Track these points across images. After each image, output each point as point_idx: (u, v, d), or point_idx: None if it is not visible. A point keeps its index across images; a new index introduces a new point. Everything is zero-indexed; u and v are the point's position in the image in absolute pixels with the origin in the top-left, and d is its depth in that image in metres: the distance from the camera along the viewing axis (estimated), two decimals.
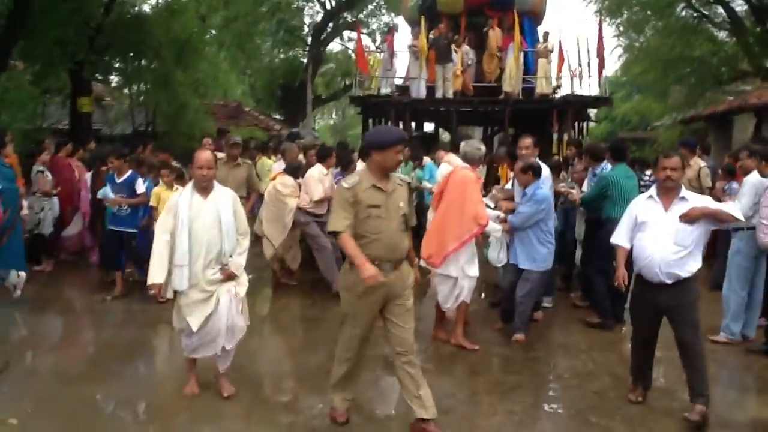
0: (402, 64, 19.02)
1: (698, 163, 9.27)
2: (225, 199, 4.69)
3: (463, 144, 6.41)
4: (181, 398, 4.72)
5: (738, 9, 17.69)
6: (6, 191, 6.82)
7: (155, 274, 4.55)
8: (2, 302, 6.88)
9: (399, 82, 18.22)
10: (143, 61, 14.68)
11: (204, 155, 4.65)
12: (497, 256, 6.61)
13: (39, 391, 4.83)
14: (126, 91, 16.22)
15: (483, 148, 6.48)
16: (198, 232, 4.53)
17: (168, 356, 5.93)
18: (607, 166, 7.23)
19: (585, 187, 7.66)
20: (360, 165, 8.62)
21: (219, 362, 4.75)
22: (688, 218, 4.46)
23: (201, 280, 4.55)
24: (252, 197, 8.17)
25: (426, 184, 9.51)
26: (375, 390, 5.00)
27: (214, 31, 19.65)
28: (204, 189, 4.65)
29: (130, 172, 7.64)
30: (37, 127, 12.24)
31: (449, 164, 6.55)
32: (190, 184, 4.75)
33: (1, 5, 11.49)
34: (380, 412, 4.63)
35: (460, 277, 5.99)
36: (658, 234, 4.53)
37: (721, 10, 17.83)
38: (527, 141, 6.90)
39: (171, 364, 5.60)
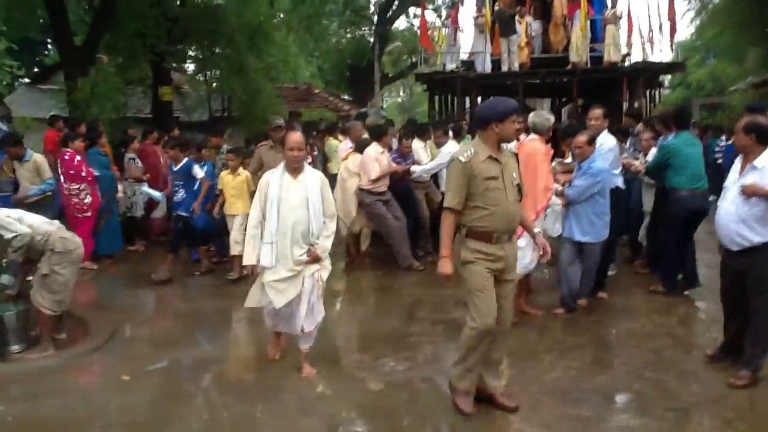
0: (467, 38, 19.12)
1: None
2: (314, 181, 4.79)
3: (531, 115, 6.46)
4: (263, 361, 5.18)
5: None
6: (102, 178, 7.50)
7: (249, 255, 4.78)
8: None
9: (464, 57, 18.20)
10: (217, 49, 15.27)
11: (294, 137, 4.75)
12: (553, 226, 6.60)
13: (142, 354, 5.43)
14: (202, 78, 16.89)
15: (552, 118, 6.50)
16: (286, 211, 4.65)
17: (249, 326, 6.37)
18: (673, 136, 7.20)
19: (650, 157, 7.71)
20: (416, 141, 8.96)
21: (300, 342, 4.89)
22: (745, 192, 4.44)
23: (289, 259, 4.67)
24: None
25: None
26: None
27: (282, 15, 20.15)
28: (295, 170, 4.76)
29: (186, 159, 7.97)
30: (122, 116, 13.01)
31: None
32: (282, 165, 4.86)
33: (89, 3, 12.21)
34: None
35: (529, 246, 6.05)
36: (727, 199, 4.58)
37: None
38: (597, 112, 6.90)
39: (253, 332, 6.07)
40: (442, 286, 6.48)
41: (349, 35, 30.65)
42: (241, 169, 7.76)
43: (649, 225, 7.72)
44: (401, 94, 51.81)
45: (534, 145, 6.06)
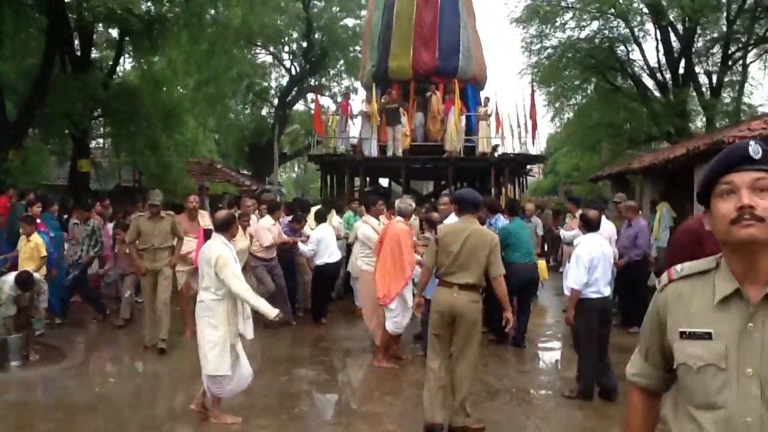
0: (356, 125, 21.21)
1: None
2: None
3: (397, 201, 7.85)
4: None
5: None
6: (56, 237, 9.02)
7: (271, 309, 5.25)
8: None
9: (354, 141, 20.12)
10: (133, 127, 16.83)
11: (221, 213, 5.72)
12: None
13: None
14: (115, 152, 18.30)
15: (413, 204, 7.99)
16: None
17: None
18: (500, 219, 8.81)
19: None
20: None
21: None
22: None
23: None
24: (179, 244, 8.33)
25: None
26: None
27: (182, 90, 21.70)
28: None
29: None
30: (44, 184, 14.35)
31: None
32: (220, 236, 5.43)
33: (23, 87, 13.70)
34: None
35: (402, 309, 7.23)
36: None
37: (632, 83, 21.05)
38: (445, 199, 8.51)
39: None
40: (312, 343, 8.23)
41: (250, 115, 32.63)
42: (34, 236, 8.14)
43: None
44: (296, 170, 53.97)
45: (398, 226, 7.30)
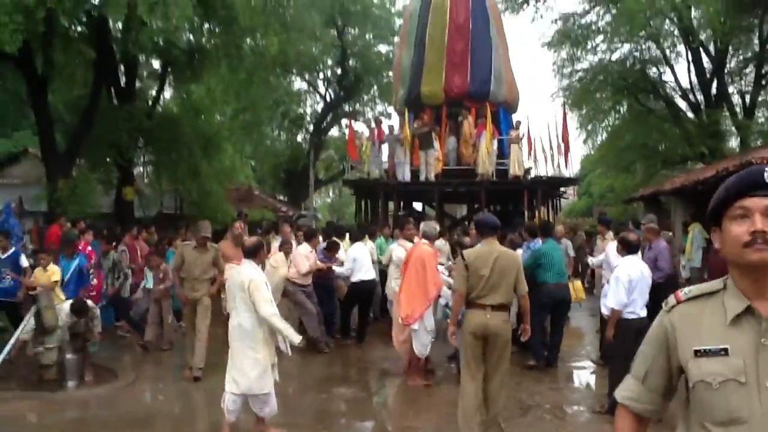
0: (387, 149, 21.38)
1: (611, 236, 10.71)
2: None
3: (422, 224, 8.09)
4: None
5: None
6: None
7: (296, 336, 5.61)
8: None
9: (386, 166, 19.96)
10: (174, 155, 17.43)
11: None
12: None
13: None
14: (157, 180, 18.93)
15: (437, 227, 8.33)
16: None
17: None
18: (539, 242, 8.78)
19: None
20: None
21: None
22: None
23: None
24: (219, 276, 8.34)
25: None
26: None
27: (220, 118, 22.32)
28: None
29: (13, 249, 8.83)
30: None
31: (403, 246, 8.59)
32: (251, 261, 5.65)
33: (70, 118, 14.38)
34: None
35: (425, 330, 7.47)
36: None
37: (664, 104, 21.15)
38: (473, 231, 8.59)
39: None
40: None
41: (285, 141, 33.23)
42: (51, 266, 8.40)
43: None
44: (330, 194, 54.58)
45: (423, 248, 7.53)
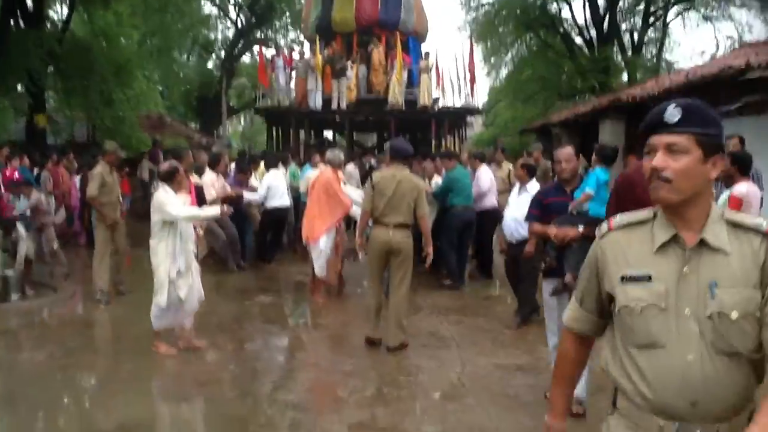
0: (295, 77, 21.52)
1: (507, 165, 11.27)
2: None
3: (328, 152, 8.53)
4: None
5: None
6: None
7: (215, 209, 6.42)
8: None
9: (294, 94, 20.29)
10: (85, 82, 17.39)
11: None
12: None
13: None
14: (68, 106, 18.81)
15: (342, 155, 8.71)
16: None
17: None
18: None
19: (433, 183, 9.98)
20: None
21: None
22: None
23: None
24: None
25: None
26: None
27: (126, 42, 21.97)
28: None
29: None
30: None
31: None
32: (164, 185, 5.96)
33: None
34: None
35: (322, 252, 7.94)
36: (510, 209, 7.02)
37: (561, 39, 22.49)
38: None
39: None
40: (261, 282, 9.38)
41: (196, 67, 32.81)
42: None
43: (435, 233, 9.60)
44: (242, 123, 54.20)
45: (327, 174, 8.08)
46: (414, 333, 6.50)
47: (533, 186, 6.92)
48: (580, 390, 4.24)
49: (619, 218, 1.89)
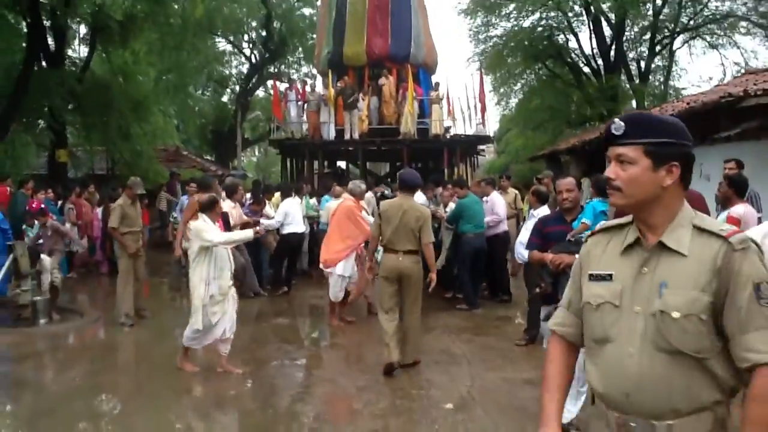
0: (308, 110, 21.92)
1: (513, 191, 11.93)
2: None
3: (350, 183, 9.11)
4: None
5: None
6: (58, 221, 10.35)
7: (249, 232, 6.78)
8: None
9: (305, 125, 20.60)
10: (104, 117, 17.91)
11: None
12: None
13: None
14: (88, 142, 19.32)
15: (363, 185, 9.18)
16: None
17: None
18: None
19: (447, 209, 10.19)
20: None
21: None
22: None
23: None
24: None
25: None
26: None
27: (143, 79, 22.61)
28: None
29: None
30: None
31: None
32: (204, 215, 6.29)
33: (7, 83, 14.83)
34: None
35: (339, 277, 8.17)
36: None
37: (569, 69, 22.93)
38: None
39: None
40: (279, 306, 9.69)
41: (211, 101, 33.53)
42: None
43: (449, 258, 9.73)
44: (256, 154, 54.91)
45: (348, 203, 8.43)
46: (426, 350, 6.77)
47: (543, 211, 7.14)
48: (575, 409, 4.44)
49: (603, 223, 2.03)
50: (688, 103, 9.90)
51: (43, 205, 9.79)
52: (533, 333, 7.15)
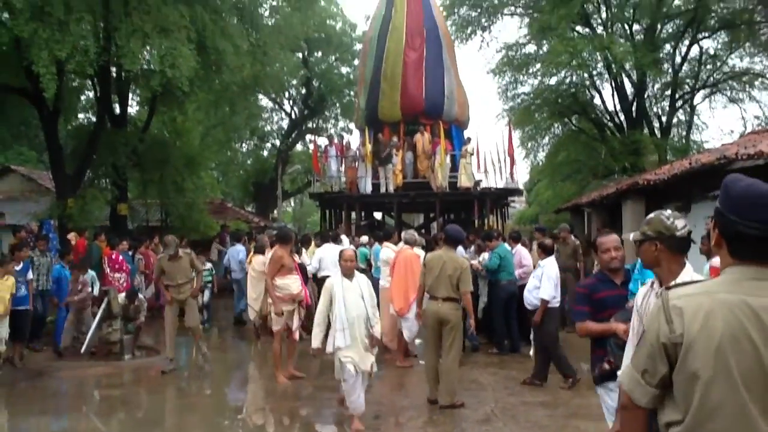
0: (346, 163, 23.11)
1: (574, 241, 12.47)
2: (364, 281, 6.43)
3: (404, 233, 10.06)
4: None
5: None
6: (132, 269, 11.74)
7: (315, 340, 6.31)
8: None
9: (342, 177, 21.84)
10: (162, 173, 19.46)
11: (347, 252, 6.55)
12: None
13: None
14: (144, 196, 20.91)
15: (416, 234, 10.09)
16: (350, 304, 6.16)
17: None
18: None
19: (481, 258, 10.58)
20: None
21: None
22: None
23: (358, 339, 6.15)
24: (198, 277, 9.71)
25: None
26: None
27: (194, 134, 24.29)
28: (349, 275, 6.38)
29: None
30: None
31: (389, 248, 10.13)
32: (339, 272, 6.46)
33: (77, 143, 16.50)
34: None
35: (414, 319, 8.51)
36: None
37: (593, 124, 24.18)
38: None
39: None
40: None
41: (252, 155, 35.30)
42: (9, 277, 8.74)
43: (487, 305, 10.36)
44: (292, 204, 56.61)
45: (408, 252, 9.33)
46: (459, 381, 7.84)
47: (549, 262, 8.15)
48: None
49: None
50: (690, 164, 10.94)
51: (121, 257, 11.22)
52: (540, 376, 7.92)
